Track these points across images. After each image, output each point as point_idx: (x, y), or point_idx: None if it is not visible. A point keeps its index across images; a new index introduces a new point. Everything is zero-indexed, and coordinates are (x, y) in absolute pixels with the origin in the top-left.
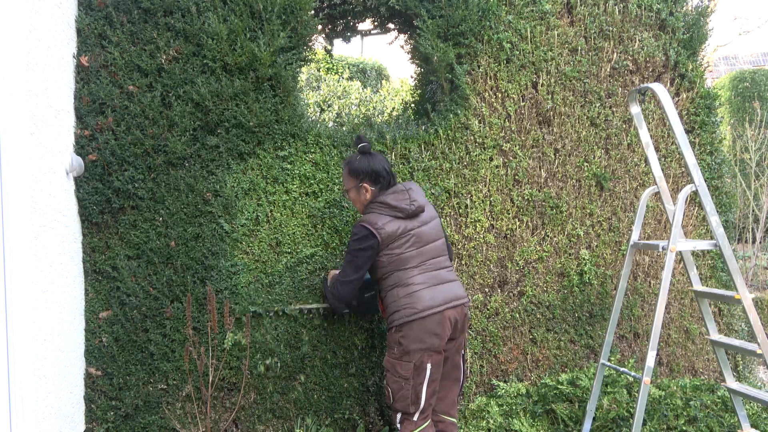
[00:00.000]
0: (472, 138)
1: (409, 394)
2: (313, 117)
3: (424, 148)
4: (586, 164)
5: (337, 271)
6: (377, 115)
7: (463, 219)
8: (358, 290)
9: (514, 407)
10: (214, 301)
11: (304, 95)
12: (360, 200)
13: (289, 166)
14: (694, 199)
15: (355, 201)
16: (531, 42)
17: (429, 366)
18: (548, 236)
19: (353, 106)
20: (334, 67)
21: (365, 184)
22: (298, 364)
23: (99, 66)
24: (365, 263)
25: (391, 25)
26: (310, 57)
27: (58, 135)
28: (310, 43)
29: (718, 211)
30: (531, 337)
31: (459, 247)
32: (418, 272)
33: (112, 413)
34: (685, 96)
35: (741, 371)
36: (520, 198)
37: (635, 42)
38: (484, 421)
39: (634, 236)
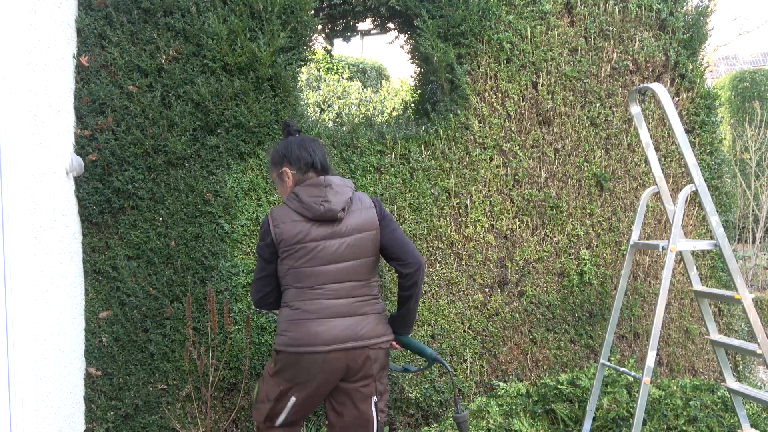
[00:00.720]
0: (472, 138)
1: (266, 412)
2: (313, 117)
3: (424, 148)
4: (586, 164)
5: None
6: (377, 115)
7: (463, 219)
8: (270, 292)
9: (514, 407)
10: (214, 301)
11: (304, 95)
12: (284, 191)
13: None
14: (694, 199)
15: (282, 194)
16: (531, 42)
17: (293, 399)
18: (548, 236)
19: (353, 106)
20: (334, 67)
21: (285, 168)
22: None
23: (99, 66)
24: (268, 263)
25: (391, 25)
26: (310, 57)
27: (58, 135)
28: (310, 43)
29: (718, 211)
30: (531, 337)
31: (459, 247)
32: (311, 297)
33: (112, 413)
34: (685, 96)
35: (741, 371)
36: (520, 198)
37: (635, 42)
38: (484, 421)
39: (634, 236)
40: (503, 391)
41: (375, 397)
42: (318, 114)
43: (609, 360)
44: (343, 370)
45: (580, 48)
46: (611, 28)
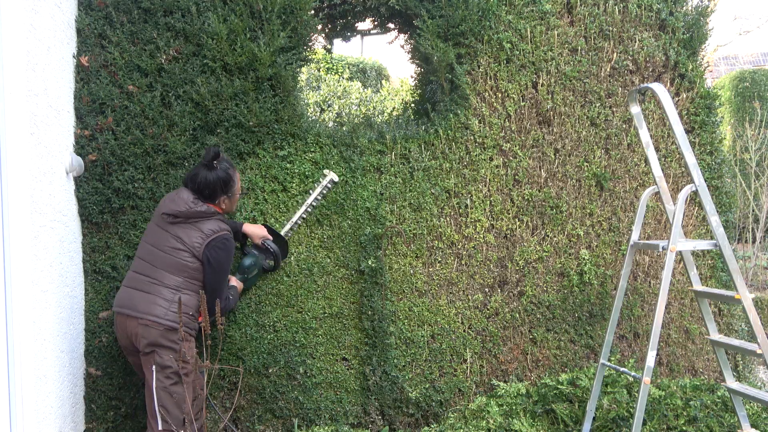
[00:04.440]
0: (472, 138)
1: None
2: (313, 117)
3: (424, 147)
4: (586, 164)
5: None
6: (377, 115)
7: (463, 219)
8: None
9: (514, 407)
10: (205, 301)
11: (304, 95)
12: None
13: (288, 166)
14: (694, 199)
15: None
16: (531, 42)
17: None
18: (548, 236)
19: (353, 106)
20: (334, 67)
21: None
22: (297, 364)
23: (99, 66)
24: None
25: (391, 25)
26: (310, 57)
27: (58, 135)
28: (310, 43)
29: (718, 211)
30: (531, 337)
31: (459, 246)
32: (133, 266)
33: (112, 413)
34: (685, 96)
35: (741, 371)
36: (520, 198)
37: (635, 42)
38: (484, 421)
39: (634, 236)
40: (503, 391)
41: (154, 366)
42: (318, 114)
43: (609, 360)
44: (125, 335)
45: (580, 48)
46: (611, 28)
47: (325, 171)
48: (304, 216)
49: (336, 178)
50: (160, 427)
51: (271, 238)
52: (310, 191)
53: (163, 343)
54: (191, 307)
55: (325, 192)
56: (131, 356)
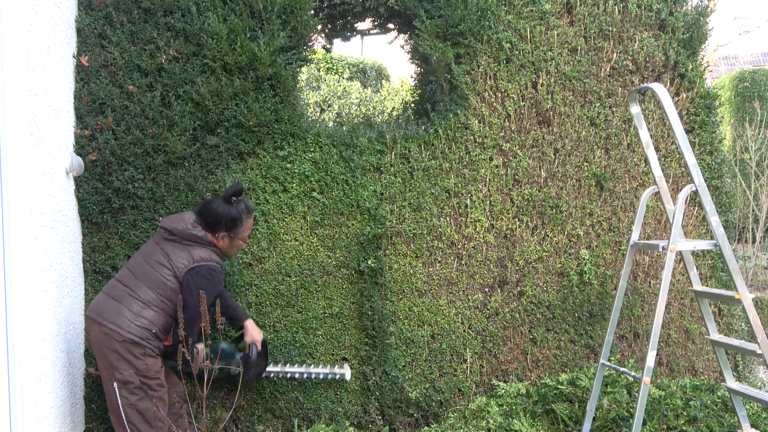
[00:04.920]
0: (471, 138)
1: None
2: (313, 117)
3: (424, 147)
4: (586, 164)
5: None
6: (377, 115)
7: (463, 219)
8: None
9: (514, 407)
10: (206, 302)
11: (304, 95)
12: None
13: (288, 166)
14: (694, 199)
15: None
16: (530, 42)
17: None
18: (548, 236)
19: (353, 106)
20: (334, 67)
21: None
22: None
23: (99, 66)
24: None
25: (390, 25)
26: (310, 57)
27: (58, 135)
28: (310, 43)
29: (718, 211)
30: (531, 337)
31: (459, 246)
32: (118, 274)
33: None
34: (685, 96)
35: (741, 371)
36: (520, 198)
37: (635, 42)
38: (484, 421)
39: (634, 236)
40: (503, 391)
41: (116, 384)
42: (318, 114)
43: (609, 360)
44: (89, 341)
45: (579, 48)
46: (611, 28)
47: (346, 366)
48: (296, 376)
49: (348, 376)
50: None
51: (259, 348)
52: (321, 365)
53: (123, 354)
54: (156, 326)
55: (330, 377)
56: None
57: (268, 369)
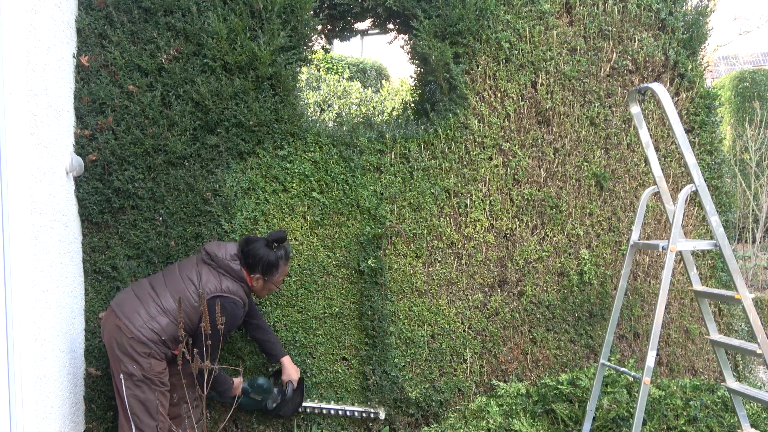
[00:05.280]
0: (471, 137)
1: None
2: (313, 117)
3: (424, 147)
4: (585, 164)
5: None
6: (377, 115)
7: (463, 219)
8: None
9: (514, 407)
10: (206, 301)
11: (304, 95)
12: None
13: (288, 165)
14: (694, 199)
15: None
16: (530, 41)
17: None
18: (548, 236)
19: (353, 106)
20: (334, 67)
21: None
22: (297, 364)
23: (99, 66)
24: None
25: (390, 25)
26: (310, 56)
27: (58, 135)
28: (310, 43)
29: (718, 211)
30: (531, 336)
31: (459, 246)
32: (152, 275)
33: (112, 413)
34: (684, 96)
35: (741, 371)
36: (519, 197)
37: (635, 42)
38: (484, 421)
39: (634, 236)
40: (503, 391)
41: (122, 375)
42: (318, 114)
43: (609, 360)
44: (103, 330)
45: (579, 48)
46: (610, 28)
47: (381, 408)
48: (331, 413)
49: (382, 416)
50: None
51: (295, 386)
52: (355, 403)
53: (129, 351)
54: (167, 334)
55: (364, 416)
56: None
57: (303, 404)
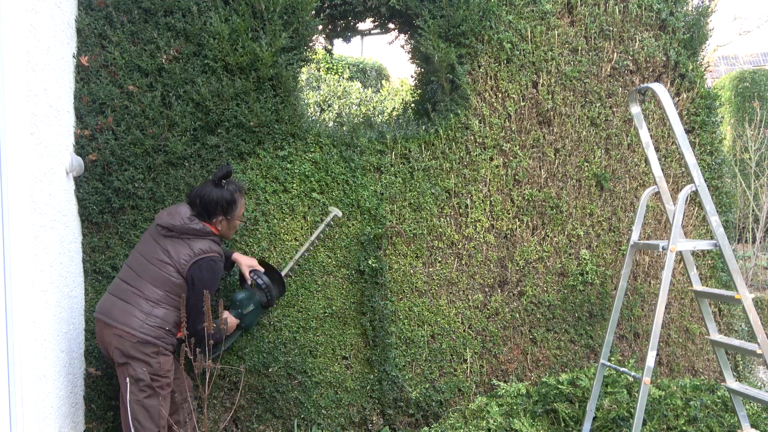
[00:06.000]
0: (472, 138)
1: None
2: (313, 117)
3: (425, 147)
4: (586, 164)
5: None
6: (377, 115)
7: (463, 219)
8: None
9: (514, 407)
10: (209, 301)
11: (304, 95)
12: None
13: (289, 166)
14: (694, 199)
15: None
16: (531, 42)
17: None
18: (548, 236)
19: (353, 106)
20: (334, 67)
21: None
22: (297, 364)
23: (99, 66)
24: None
25: (391, 25)
26: (310, 57)
27: (58, 135)
28: (311, 44)
29: (718, 211)
30: (531, 337)
31: (459, 246)
32: (120, 272)
33: (112, 413)
34: (685, 96)
35: (741, 371)
36: (520, 198)
37: (635, 42)
38: (484, 421)
39: (634, 236)
40: (503, 391)
41: (128, 379)
42: (318, 114)
43: (609, 360)
44: (101, 343)
45: (580, 48)
46: (611, 28)
47: (330, 207)
48: (306, 254)
49: (340, 214)
50: None
51: (261, 270)
52: (314, 228)
53: (136, 355)
54: (169, 323)
55: (327, 228)
56: (111, 365)
57: (286, 268)
